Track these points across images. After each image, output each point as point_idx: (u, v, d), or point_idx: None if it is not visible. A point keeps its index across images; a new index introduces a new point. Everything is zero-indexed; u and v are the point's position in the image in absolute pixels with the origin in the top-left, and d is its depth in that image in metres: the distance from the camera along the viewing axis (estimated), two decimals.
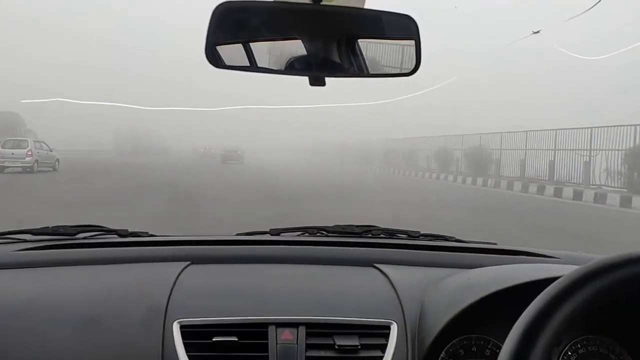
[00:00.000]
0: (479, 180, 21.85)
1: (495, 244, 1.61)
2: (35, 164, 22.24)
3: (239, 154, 37.19)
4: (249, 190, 14.21)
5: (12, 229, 1.48)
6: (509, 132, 22.89)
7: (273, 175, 20.18)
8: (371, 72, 1.04)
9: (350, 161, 40.63)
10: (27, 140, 22.76)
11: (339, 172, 26.14)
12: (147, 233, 1.56)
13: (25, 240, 1.45)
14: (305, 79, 0.99)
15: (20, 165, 21.49)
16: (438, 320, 1.09)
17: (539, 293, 0.72)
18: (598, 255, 1.25)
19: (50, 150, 24.03)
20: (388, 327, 1.12)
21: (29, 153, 22.12)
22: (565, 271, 0.76)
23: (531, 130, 21.18)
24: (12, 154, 21.62)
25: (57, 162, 24.18)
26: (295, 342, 1.08)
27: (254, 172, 23.69)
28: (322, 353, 1.07)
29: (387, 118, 52.11)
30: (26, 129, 32.92)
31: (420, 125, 40.13)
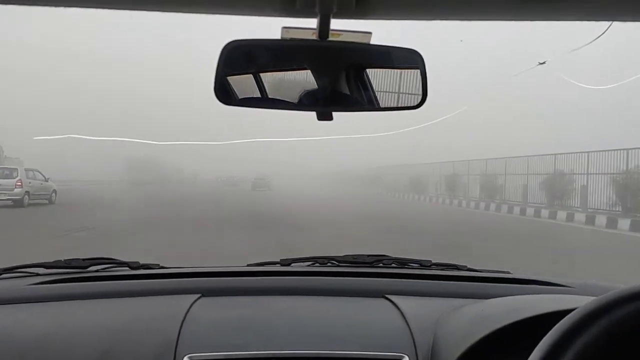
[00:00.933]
0: None
1: (508, 272, 1.64)
2: (26, 196, 19.81)
3: (267, 182, 41.93)
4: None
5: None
6: None
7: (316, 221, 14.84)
8: (378, 106, 1.10)
9: (396, 189, 35.54)
10: (16, 169, 20.30)
11: (396, 207, 20.27)
12: (158, 265, 1.64)
13: (37, 274, 1.53)
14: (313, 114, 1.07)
15: (7, 198, 19.26)
16: (451, 353, 1.12)
17: (553, 325, 0.76)
18: (613, 284, 1.33)
19: (46, 180, 21.69)
20: None
21: (19, 183, 19.61)
22: (579, 302, 0.79)
23: None
24: None
25: (53, 194, 21.82)
26: None
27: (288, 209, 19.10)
28: None
29: (430, 140, 46.92)
30: (4, 155, 28.57)
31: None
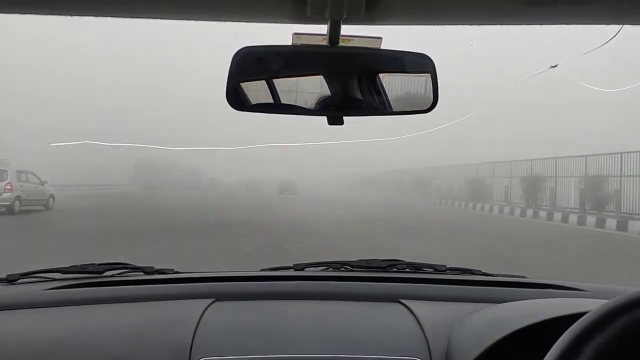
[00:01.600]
0: None
1: (523, 277, 1.65)
2: (17, 201, 17.78)
3: (294, 186, 42.71)
4: None
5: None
6: None
7: None
8: (388, 110, 1.14)
9: (446, 195, 30.66)
10: (6, 171, 18.27)
11: None
12: (172, 270, 1.69)
13: (54, 279, 1.58)
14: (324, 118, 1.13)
15: None
16: (465, 357, 1.16)
17: (567, 329, 0.79)
18: (629, 288, 1.34)
19: (42, 184, 19.93)
20: None
21: (8, 187, 17.63)
22: (593, 306, 0.81)
23: None
24: None
25: (51, 199, 19.98)
26: None
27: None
28: None
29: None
30: None
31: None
